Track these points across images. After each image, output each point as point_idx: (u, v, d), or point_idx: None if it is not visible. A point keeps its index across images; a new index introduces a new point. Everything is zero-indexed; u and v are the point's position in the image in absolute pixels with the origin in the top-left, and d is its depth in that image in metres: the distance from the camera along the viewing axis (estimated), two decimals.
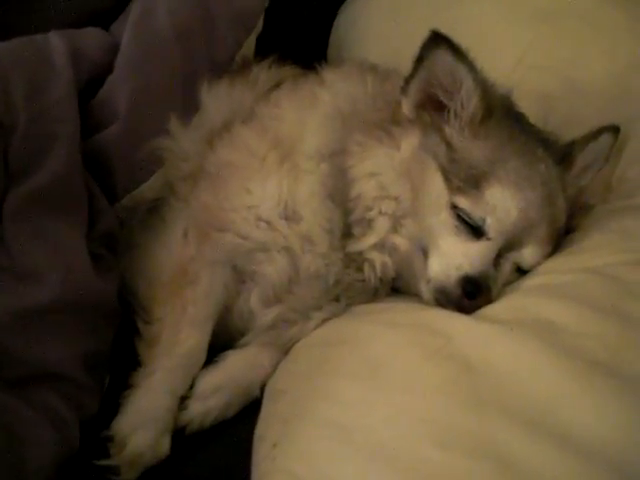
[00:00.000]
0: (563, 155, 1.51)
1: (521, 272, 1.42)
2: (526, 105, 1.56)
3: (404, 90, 1.46)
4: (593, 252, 1.37)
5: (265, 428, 1.27)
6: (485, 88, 1.42)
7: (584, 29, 1.78)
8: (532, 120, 1.56)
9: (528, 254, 1.41)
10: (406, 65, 1.46)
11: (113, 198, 1.59)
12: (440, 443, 1.02)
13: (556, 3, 1.85)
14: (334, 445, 1.10)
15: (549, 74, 1.75)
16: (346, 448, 1.09)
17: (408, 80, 1.45)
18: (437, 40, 1.39)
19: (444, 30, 1.40)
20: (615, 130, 1.55)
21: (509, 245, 1.39)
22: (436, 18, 1.82)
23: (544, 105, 1.70)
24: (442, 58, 1.39)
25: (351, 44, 2.15)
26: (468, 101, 1.41)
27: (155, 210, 1.62)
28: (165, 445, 1.33)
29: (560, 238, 1.46)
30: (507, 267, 1.40)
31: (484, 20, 1.89)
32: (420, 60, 1.42)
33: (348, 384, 1.21)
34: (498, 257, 1.38)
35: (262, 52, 1.83)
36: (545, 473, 0.95)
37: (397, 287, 1.52)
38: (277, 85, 1.69)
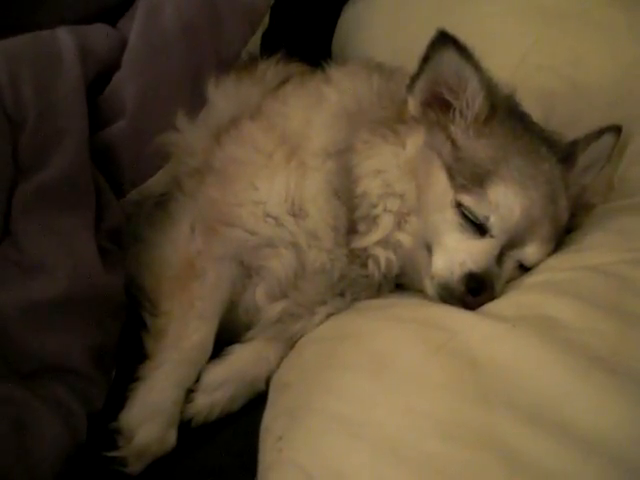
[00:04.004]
0: (566, 154, 1.51)
1: (523, 269, 1.43)
2: (529, 104, 1.57)
3: (410, 89, 1.47)
4: (594, 250, 1.37)
5: (271, 420, 1.29)
6: (490, 88, 1.44)
7: (587, 29, 1.79)
8: (535, 119, 1.57)
9: (530, 252, 1.41)
10: (411, 63, 1.47)
11: (120, 193, 1.60)
12: (445, 436, 1.04)
13: (559, 4, 1.85)
14: (339, 437, 1.12)
15: (552, 74, 1.76)
16: (351, 440, 1.10)
17: (414, 79, 1.46)
18: (444, 39, 1.39)
19: (447, 29, 1.41)
20: (617, 130, 1.56)
21: (512, 243, 1.40)
22: (440, 17, 1.84)
23: (547, 104, 1.71)
24: (448, 57, 1.40)
25: (355, 42, 2.16)
26: (473, 100, 1.42)
27: (162, 205, 1.63)
28: (171, 437, 1.35)
29: (562, 236, 1.47)
30: (510, 264, 1.41)
31: (488, 20, 1.90)
32: (426, 59, 1.43)
33: (353, 378, 1.22)
34: (501, 254, 1.39)
35: (267, 49, 1.84)
36: (548, 465, 0.96)
37: (401, 283, 1.53)
38: (284, 82, 1.71)
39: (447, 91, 1.45)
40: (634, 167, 1.56)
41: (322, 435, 1.14)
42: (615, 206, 1.52)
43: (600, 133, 1.55)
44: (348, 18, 2.24)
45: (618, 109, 1.64)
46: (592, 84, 1.72)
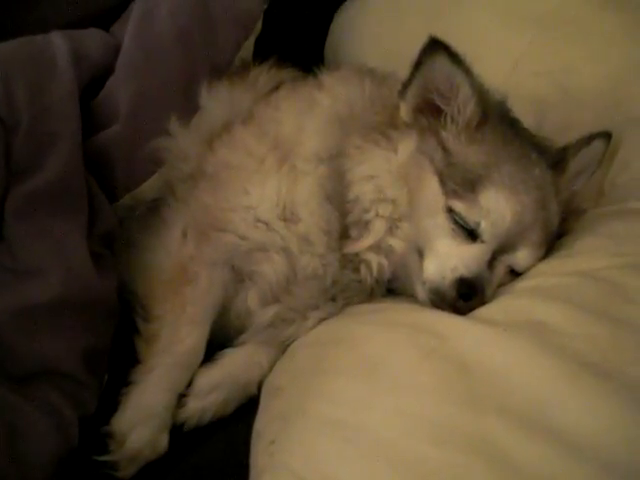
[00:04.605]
0: (556, 160, 1.52)
1: (514, 274, 1.43)
2: (521, 110, 1.57)
3: (402, 94, 1.48)
4: (585, 256, 1.38)
5: (263, 424, 1.29)
6: (481, 94, 1.44)
7: (578, 36, 1.79)
8: (526, 125, 1.57)
9: (521, 257, 1.42)
10: (403, 69, 1.48)
11: (113, 197, 1.60)
12: (436, 440, 1.04)
13: (551, 10, 1.85)
14: (331, 442, 1.12)
15: (543, 80, 1.76)
16: (343, 445, 1.10)
17: (406, 85, 1.47)
18: (435, 46, 1.40)
19: (440, 35, 1.41)
20: (607, 136, 1.57)
21: (503, 248, 1.40)
22: (432, 23, 1.85)
23: (538, 110, 1.72)
24: (440, 64, 1.41)
25: (348, 47, 2.17)
26: (465, 106, 1.43)
27: (154, 209, 1.62)
28: (163, 441, 1.35)
29: (553, 241, 1.48)
30: (501, 269, 1.42)
31: (480, 26, 1.90)
32: (418, 65, 1.43)
33: (345, 382, 1.22)
34: (492, 259, 1.40)
35: (260, 54, 1.84)
36: (538, 469, 0.96)
37: (393, 288, 1.53)
38: (276, 87, 1.71)
39: (439, 97, 1.45)
40: (624, 173, 1.56)
41: (314, 439, 1.14)
42: (605, 211, 1.53)
43: (590, 139, 1.56)
44: (340, 23, 2.25)
45: (609, 115, 1.65)
46: (584, 91, 1.72)
